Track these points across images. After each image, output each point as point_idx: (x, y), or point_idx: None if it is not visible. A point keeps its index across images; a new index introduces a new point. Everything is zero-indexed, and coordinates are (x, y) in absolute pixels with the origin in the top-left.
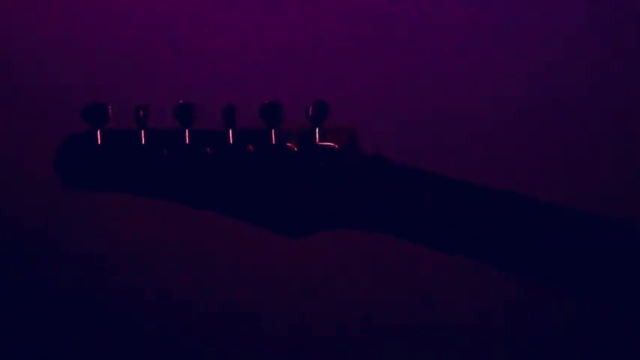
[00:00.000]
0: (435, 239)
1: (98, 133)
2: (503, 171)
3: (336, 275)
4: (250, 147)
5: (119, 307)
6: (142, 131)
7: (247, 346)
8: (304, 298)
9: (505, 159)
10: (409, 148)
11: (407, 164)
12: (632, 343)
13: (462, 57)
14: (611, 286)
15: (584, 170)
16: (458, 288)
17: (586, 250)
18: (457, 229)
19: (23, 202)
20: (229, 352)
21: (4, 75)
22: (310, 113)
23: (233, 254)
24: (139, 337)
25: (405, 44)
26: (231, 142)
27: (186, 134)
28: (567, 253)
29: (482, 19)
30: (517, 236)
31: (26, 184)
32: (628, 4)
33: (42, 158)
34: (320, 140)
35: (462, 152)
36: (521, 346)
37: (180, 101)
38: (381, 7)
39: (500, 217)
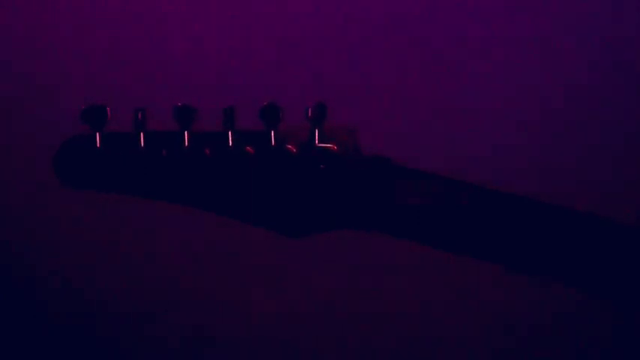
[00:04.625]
0: (434, 238)
1: (97, 135)
2: (504, 170)
3: (337, 274)
4: (249, 149)
5: (118, 306)
6: (141, 133)
7: (247, 345)
8: (304, 298)
9: (505, 158)
10: (409, 149)
11: (406, 165)
12: (633, 343)
13: (461, 57)
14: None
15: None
16: (457, 287)
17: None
18: (456, 228)
19: (23, 203)
20: (229, 351)
21: (4, 76)
22: (310, 115)
23: (233, 254)
24: (137, 336)
25: (405, 45)
26: (230, 143)
27: (186, 136)
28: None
29: (482, 20)
30: (517, 235)
31: (26, 184)
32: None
33: (42, 159)
34: (319, 141)
35: (461, 152)
36: (521, 345)
37: (179, 103)
38: (381, 8)
39: (499, 216)
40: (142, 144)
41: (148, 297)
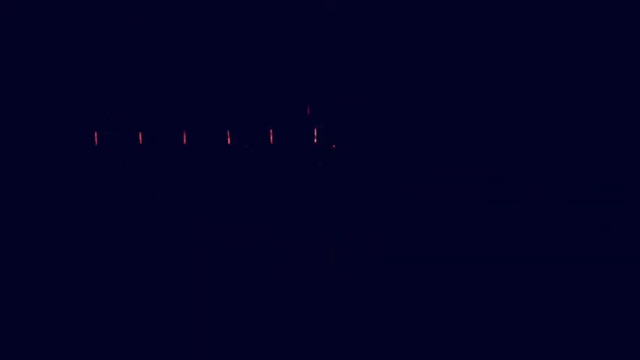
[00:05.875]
0: (434, 238)
1: (96, 134)
2: (505, 169)
3: (337, 274)
4: (248, 147)
5: (118, 305)
6: (140, 133)
7: (246, 344)
8: (304, 297)
9: (505, 158)
10: (409, 148)
11: (406, 163)
12: (631, 343)
13: (461, 57)
14: None
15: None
16: (456, 287)
17: None
18: (456, 227)
19: (22, 203)
20: (228, 350)
21: (4, 76)
22: (308, 113)
23: (232, 253)
24: (137, 336)
25: (405, 45)
26: (229, 142)
27: (184, 135)
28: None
29: (481, 20)
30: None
31: (25, 184)
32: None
33: (41, 159)
34: (318, 140)
35: (461, 152)
36: (521, 345)
37: (178, 102)
38: (381, 8)
39: (499, 214)
40: (141, 142)
41: (147, 296)
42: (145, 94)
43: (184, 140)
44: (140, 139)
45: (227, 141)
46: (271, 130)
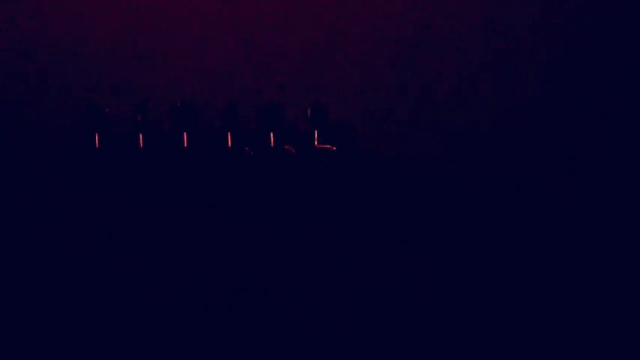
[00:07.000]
0: (434, 237)
1: (96, 136)
2: (503, 168)
3: (336, 275)
4: (248, 149)
5: (117, 305)
6: (140, 134)
7: (246, 344)
8: (303, 297)
9: (504, 157)
10: (408, 148)
11: (406, 164)
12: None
13: (460, 57)
14: None
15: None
16: (456, 287)
17: None
18: (456, 226)
19: (23, 204)
20: (227, 350)
21: (4, 76)
22: (309, 115)
23: (232, 254)
24: (137, 334)
25: (403, 45)
26: (229, 144)
27: (185, 137)
28: None
29: (479, 21)
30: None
31: (26, 185)
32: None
33: (41, 160)
34: (319, 142)
35: (461, 151)
36: (521, 345)
37: (178, 103)
38: (380, 10)
39: (499, 210)
40: (141, 145)
41: (144, 295)
42: (146, 96)
43: (185, 142)
44: (141, 142)
45: (228, 143)
46: (272, 132)
